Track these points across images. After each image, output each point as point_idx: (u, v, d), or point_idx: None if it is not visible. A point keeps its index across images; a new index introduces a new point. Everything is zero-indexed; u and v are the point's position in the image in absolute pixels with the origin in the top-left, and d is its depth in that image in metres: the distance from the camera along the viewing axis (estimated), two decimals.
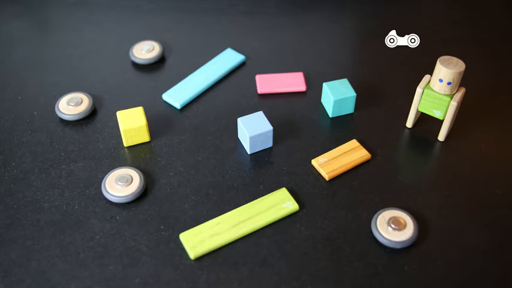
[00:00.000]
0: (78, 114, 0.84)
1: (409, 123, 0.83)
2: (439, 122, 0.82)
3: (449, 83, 0.75)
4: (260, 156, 0.79)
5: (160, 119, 0.84)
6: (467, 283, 0.66)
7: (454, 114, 0.78)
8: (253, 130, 0.78)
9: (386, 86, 0.90)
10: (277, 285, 0.65)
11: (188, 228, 0.70)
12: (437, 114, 0.78)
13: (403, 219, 0.70)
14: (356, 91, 0.86)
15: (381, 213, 0.71)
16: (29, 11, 1.07)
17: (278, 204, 0.72)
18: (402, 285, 0.66)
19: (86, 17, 1.04)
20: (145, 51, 0.94)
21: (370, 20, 1.05)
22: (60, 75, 0.92)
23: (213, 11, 1.06)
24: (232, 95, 0.88)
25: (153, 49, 0.95)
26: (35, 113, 0.85)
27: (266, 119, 0.79)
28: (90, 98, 0.86)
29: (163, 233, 0.70)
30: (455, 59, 0.75)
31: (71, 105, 0.84)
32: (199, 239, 0.69)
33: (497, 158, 0.80)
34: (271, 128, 0.78)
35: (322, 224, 0.71)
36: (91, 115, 0.85)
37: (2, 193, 0.75)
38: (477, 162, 0.79)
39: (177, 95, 0.87)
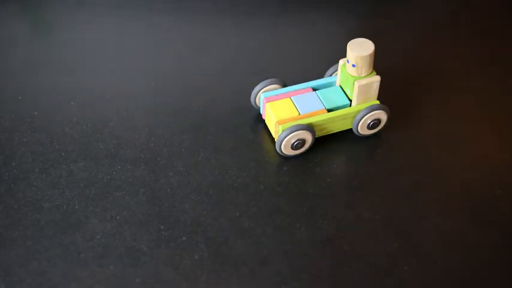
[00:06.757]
0: None
1: None
2: (439, 123, 0.82)
3: (353, 65, 0.75)
4: (260, 156, 0.79)
5: (160, 119, 0.84)
6: (467, 283, 0.66)
7: (361, 98, 0.77)
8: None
9: (386, 86, 0.90)
10: (278, 285, 0.66)
11: (188, 228, 0.70)
12: (348, 92, 0.79)
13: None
14: None
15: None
16: (29, 11, 1.07)
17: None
18: (402, 286, 0.66)
19: (86, 17, 1.04)
20: None
21: (370, 20, 1.05)
22: (60, 75, 0.92)
23: (214, 11, 1.06)
24: (232, 95, 0.88)
25: None
26: (35, 113, 0.85)
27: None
28: None
29: (163, 233, 0.70)
30: (367, 43, 0.76)
31: None
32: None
33: (497, 158, 0.80)
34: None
35: (322, 224, 0.71)
36: (91, 115, 0.85)
37: (2, 193, 0.75)
38: (477, 162, 0.79)
39: None
